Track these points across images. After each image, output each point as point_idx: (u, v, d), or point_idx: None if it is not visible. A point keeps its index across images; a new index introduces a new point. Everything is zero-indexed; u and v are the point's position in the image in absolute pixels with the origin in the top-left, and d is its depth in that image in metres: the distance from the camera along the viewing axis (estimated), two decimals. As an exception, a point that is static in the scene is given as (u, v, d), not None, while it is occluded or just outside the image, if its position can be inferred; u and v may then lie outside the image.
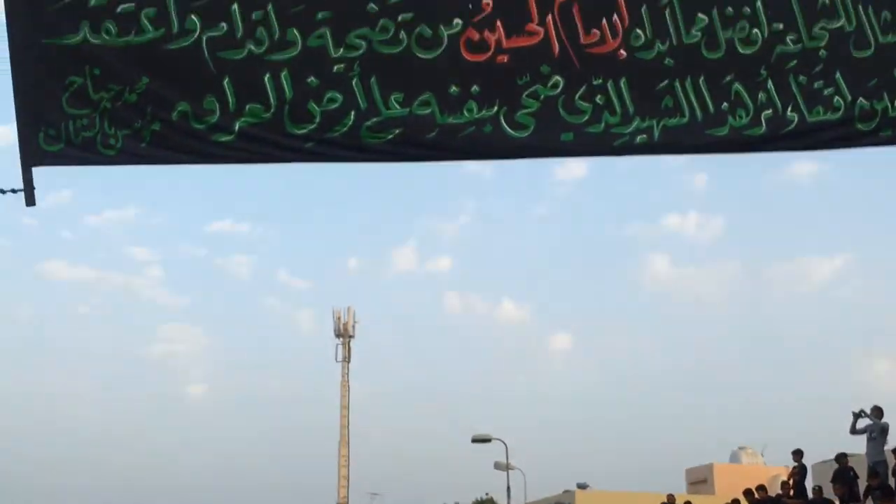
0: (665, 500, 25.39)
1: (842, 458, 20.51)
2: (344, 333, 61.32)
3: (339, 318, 62.67)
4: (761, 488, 22.29)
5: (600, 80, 5.04)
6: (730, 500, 23.78)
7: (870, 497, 18.65)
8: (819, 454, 25.38)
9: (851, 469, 20.23)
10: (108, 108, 5.06)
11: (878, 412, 19.69)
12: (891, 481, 18.92)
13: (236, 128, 5.08)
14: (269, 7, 4.99)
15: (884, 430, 19.71)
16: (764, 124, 5.04)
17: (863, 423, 19.89)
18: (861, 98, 5.02)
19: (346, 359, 61.10)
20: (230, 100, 5.05)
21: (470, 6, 5.02)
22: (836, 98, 5.03)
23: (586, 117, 5.07)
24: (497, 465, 33.18)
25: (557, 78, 5.03)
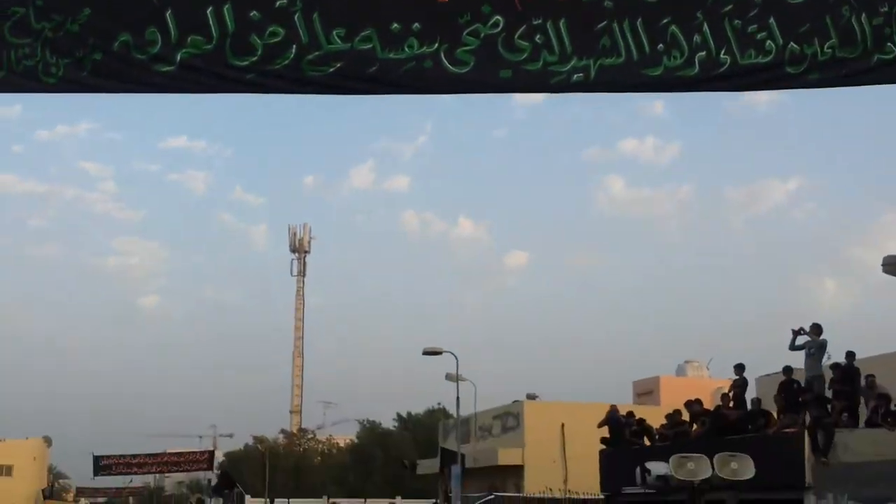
0: (609, 410, 26.21)
1: (787, 371, 21.28)
2: (299, 249, 61.59)
3: (294, 234, 62.68)
4: (696, 402, 23.21)
5: (540, 21, 5.10)
6: (672, 411, 24.56)
7: (806, 409, 19.48)
8: (763, 369, 26.26)
9: (796, 382, 21.01)
10: (49, 38, 5.07)
11: (816, 329, 20.38)
12: (828, 394, 19.72)
13: (178, 59, 5.09)
14: None
15: (821, 347, 20.43)
16: (697, 65, 5.14)
17: (802, 339, 20.59)
18: (792, 42, 5.13)
19: (302, 273, 61.39)
20: (172, 31, 5.06)
21: None
22: (769, 42, 5.13)
23: (525, 55, 5.14)
24: (448, 377, 33.82)
25: (498, 18, 5.09)
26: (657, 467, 11.74)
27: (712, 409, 23.32)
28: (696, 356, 59.32)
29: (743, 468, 10.20)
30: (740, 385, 22.78)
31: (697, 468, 10.06)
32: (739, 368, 22.78)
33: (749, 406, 21.90)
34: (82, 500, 72.35)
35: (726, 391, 23.65)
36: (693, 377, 52.18)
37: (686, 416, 23.45)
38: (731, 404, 22.30)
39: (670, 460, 10.84)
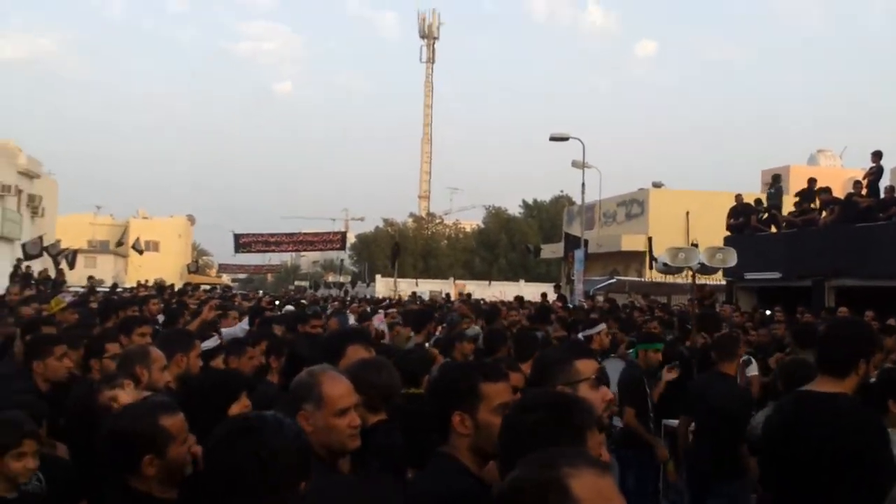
0: (736, 198, 26.05)
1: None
2: (428, 35, 61.14)
3: (423, 20, 62.30)
4: (826, 189, 22.79)
5: None
6: (800, 198, 24.23)
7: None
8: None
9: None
10: None
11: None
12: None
13: None
14: None
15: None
16: None
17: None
18: None
19: (431, 60, 61.29)
20: None
21: None
22: None
23: None
24: (574, 164, 33.90)
25: None
26: (662, 256, 13.30)
27: (843, 197, 22.92)
28: (830, 146, 57.55)
29: (727, 257, 12.00)
30: (875, 172, 22.20)
31: (688, 257, 12.10)
32: (876, 156, 22.13)
33: (882, 194, 21.44)
34: (224, 276, 76.63)
35: (859, 179, 23.16)
36: (825, 166, 50.82)
37: (816, 204, 23.15)
38: (863, 192, 21.86)
39: (665, 251, 12.63)
